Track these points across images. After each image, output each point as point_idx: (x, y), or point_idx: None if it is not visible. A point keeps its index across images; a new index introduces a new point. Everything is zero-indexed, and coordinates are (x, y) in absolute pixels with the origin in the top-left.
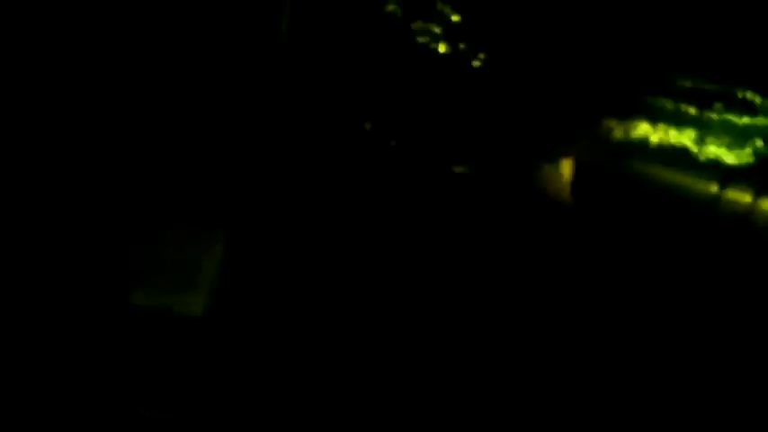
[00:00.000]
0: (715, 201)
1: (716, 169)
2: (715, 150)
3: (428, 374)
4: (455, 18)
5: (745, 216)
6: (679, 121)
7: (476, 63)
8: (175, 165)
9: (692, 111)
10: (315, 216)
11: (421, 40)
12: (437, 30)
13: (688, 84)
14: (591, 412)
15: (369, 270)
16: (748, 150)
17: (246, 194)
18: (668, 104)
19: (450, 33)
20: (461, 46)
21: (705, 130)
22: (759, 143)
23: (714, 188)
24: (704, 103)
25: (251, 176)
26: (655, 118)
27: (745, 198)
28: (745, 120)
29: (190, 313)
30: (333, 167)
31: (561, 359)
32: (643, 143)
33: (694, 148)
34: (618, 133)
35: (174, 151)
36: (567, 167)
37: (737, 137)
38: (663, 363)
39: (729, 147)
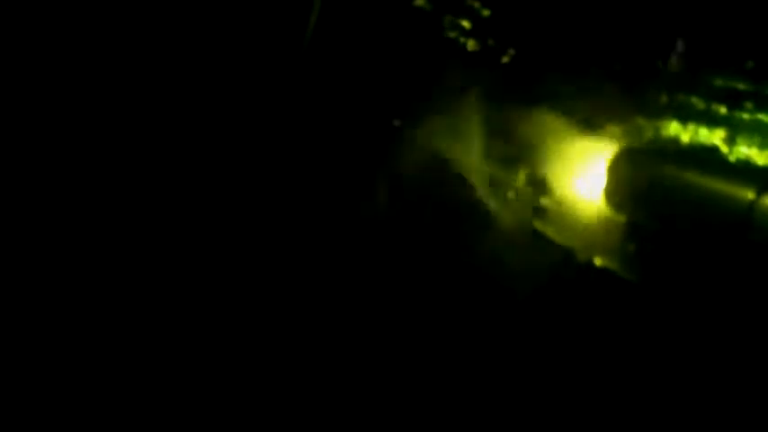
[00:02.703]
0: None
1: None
2: (746, 150)
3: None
4: (485, 13)
5: None
6: (710, 121)
7: (505, 59)
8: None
9: (723, 110)
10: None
11: (451, 34)
12: (466, 24)
13: (719, 83)
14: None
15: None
16: None
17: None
18: (699, 104)
19: (480, 29)
20: (491, 42)
21: (736, 129)
22: None
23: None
24: (735, 102)
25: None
26: (685, 117)
27: None
28: None
29: None
30: (360, 161)
31: (583, 363)
32: (674, 143)
33: (725, 148)
34: (649, 133)
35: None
36: (601, 169)
37: None
38: (695, 369)
39: (760, 146)
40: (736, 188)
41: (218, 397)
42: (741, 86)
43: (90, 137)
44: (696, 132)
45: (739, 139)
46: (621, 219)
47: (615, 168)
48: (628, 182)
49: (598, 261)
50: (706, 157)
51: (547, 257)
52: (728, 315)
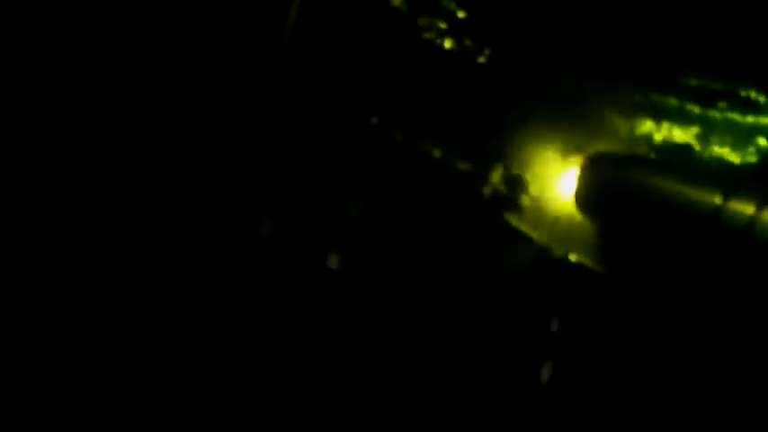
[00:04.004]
0: (718, 211)
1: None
2: (719, 150)
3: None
4: (461, 14)
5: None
6: (683, 120)
7: (481, 59)
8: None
9: (697, 109)
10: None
11: (427, 35)
12: (443, 25)
13: (693, 82)
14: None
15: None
16: (752, 149)
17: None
18: (673, 102)
19: (456, 29)
20: (467, 42)
21: (709, 128)
22: (763, 142)
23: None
24: (708, 101)
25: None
26: (659, 116)
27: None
28: (750, 119)
29: None
30: (339, 161)
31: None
32: (647, 141)
33: (698, 147)
34: (623, 131)
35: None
36: (573, 167)
37: (741, 136)
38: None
39: (733, 146)
40: (704, 192)
41: (210, 396)
42: (715, 86)
43: (67, 135)
44: (670, 131)
45: (713, 139)
46: (593, 221)
47: (584, 173)
48: (596, 187)
49: (573, 257)
50: (675, 161)
51: (522, 253)
52: (699, 311)
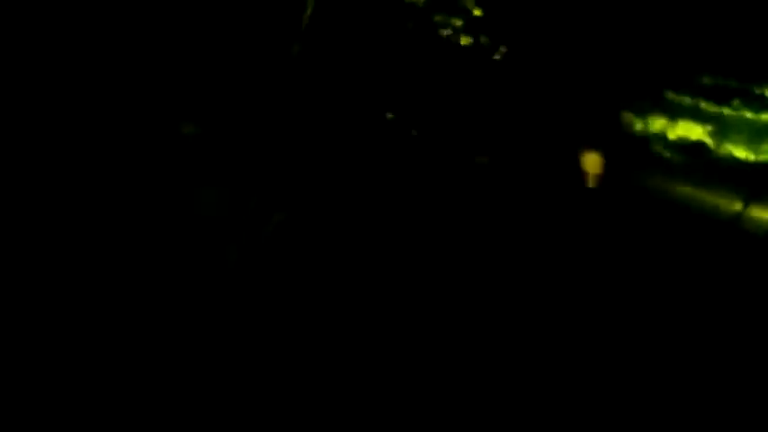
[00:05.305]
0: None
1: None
2: (732, 147)
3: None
4: (477, 12)
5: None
6: (697, 118)
7: (497, 56)
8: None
9: (711, 107)
10: (336, 202)
11: (444, 32)
12: (459, 23)
13: (707, 80)
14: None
15: (390, 256)
16: (765, 147)
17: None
18: (687, 101)
19: (472, 26)
20: (483, 39)
21: (723, 126)
22: None
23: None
24: (722, 99)
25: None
26: (673, 114)
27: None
28: (764, 117)
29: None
30: (354, 155)
31: (569, 364)
32: (662, 139)
33: (712, 144)
34: (637, 127)
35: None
36: (590, 162)
37: (755, 134)
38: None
39: (747, 144)
40: (722, 197)
41: (217, 397)
42: (729, 84)
43: (83, 136)
44: (684, 129)
45: (727, 136)
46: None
47: (600, 171)
48: (611, 185)
49: (586, 253)
50: (691, 161)
51: (533, 248)
52: (717, 311)
